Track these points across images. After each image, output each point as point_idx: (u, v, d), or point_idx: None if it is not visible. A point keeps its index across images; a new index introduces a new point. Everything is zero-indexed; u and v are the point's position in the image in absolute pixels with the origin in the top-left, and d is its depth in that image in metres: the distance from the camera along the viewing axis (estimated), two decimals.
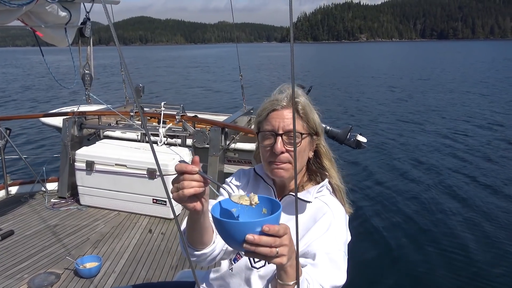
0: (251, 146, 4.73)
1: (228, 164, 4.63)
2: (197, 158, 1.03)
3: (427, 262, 4.61)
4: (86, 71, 4.08)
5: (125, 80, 5.96)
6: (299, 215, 1.42)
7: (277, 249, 0.94)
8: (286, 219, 1.36)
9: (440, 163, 8.36)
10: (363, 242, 4.89)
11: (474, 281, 4.18)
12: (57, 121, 5.06)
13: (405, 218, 5.73)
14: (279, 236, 0.94)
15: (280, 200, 1.46)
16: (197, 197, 1.05)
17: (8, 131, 4.34)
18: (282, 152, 1.36)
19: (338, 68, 38.23)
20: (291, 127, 1.36)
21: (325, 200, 1.41)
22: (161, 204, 3.89)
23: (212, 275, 1.56)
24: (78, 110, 4.55)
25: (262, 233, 0.92)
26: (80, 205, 4.18)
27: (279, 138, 1.36)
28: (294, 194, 1.41)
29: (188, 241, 1.29)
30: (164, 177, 3.81)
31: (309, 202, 1.37)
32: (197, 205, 1.07)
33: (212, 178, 1.07)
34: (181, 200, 1.02)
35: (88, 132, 4.77)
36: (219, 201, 1.10)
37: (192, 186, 1.01)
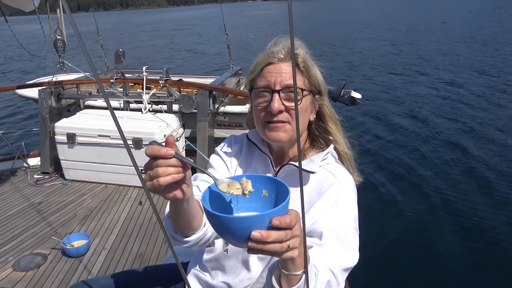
0: (241, 108, 4.51)
1: (218, 129, 4.42)
2: (172, 138, 0.84)
3: (443, 225, 4.38)
4: (58, 37, 3.76)
5: (100, 46, 5.60)
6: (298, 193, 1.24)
7: (288, 243, 0.78)
8: None
9: (440, 113, 8.16)
10: (371, 212, 4.55)
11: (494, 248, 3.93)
12: (34, 93, 4.75)
13: (413, 178, 5.46)
14: (291, 228, 0.77)
15: (278, 171, 1.27)
16: (177, 183, 0.87)
17: None
18: (280, 112, 1.16)
19: (325, 25, 37.13)
20: (290, 82, 1.15)
21: (331, 169, 1.23)
22: None
23: (205, 256, 1.39)
24: (54, 80, 4.25)
25: (270, 226, 0.75)
26: (65, 180, 3.98)
27: (276, 95, 1.16)
28: (294, 163, 1.22)
29: (173, 227, 1.11)
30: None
31: (312, 172, 1.19)
32: (178, 193, 0.89)
33: (193, 161, 0.87)
34: (157, 190, 0.84)
35: (67, 102, 4.49)
36: (209, 187, 0.91)
37: (168, 173, 0.82)
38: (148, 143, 3.56)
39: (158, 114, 3.98)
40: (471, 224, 4.28)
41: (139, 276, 1.46)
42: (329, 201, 1.15)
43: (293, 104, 1.17)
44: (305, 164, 1.21)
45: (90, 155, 3.76)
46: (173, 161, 0.82)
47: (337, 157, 1.30)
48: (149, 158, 0.86)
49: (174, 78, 4.60)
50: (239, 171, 1.35)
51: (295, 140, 1.26)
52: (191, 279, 1.42)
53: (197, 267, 1.44)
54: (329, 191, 1.17)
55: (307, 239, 1.09)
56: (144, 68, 4.14)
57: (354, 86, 3.86)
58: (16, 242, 2.94)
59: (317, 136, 1.31)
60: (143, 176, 0.86)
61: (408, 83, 11.10)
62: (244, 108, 4.53)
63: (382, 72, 12.84)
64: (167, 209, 1.11)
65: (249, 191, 0.86)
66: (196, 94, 4.00)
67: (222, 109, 4.45)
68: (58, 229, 3.12)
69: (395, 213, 4.61)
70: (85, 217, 3.29)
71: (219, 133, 4.26)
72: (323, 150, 1.26)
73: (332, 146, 1.27)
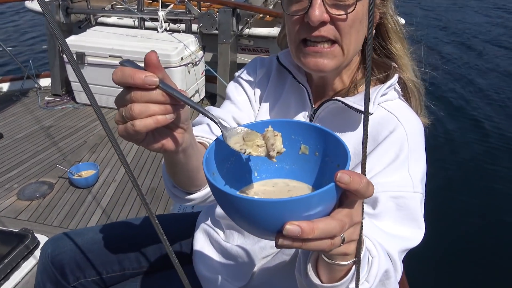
0: (268, 31, 4.01)
1: (241, 54, 3.98)
2: (154, 55, 0.51)
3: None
4: None
5: None
6: (350, 134, 0.88)
7: (343, 236, 0.49)
8: None
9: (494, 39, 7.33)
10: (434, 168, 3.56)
11: None
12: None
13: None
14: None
15: (318, 108, 0.91)
16: (167, 128, 0.57)
17: None
18: (323, 24, 0.77)
19: None
20: None
21: (392, 108, 0.86)
22: None
23: (219, 210, 1.09)
24: None
25: (319, 211, 0.46)
26: (76, 103, 3.71)
27: None
28: (341, 99, 0.85)
29: (172, 181, 0.80)
30: (166, 70, 3.24)
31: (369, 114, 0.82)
32: (167, 143, 0.58)
33: (188, 98, 0.53)
34: (132, 138, 0.55)
35: (77, 18, 4.08)
36: (217, 139, 0.57)
37: (149, 113, 0.51)
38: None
39: (175, 34, 3.56)
40: None
41: (135, 228, 1.18)
42: (389, 154, 0.81)
43: (343, 12, 0.77)
44: (357, 101, 0.84)
45: (101, 78, 3.43)
46: (157, 94, 0.51)
47: (400, 92, 0.92)
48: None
49: None
50: (265, 107, 0.99)
51: (345, 67, 0.88)
52: (200, 236, 1.13)
53: (209, 222, 1.15)
54: (389, 140, 0.82)
55: None
56: None
57: (396, 10, 3.28)
58: (22, 169, 2.75)
59: (375, 62, 0.92)
60: (116, 117, 0.54)
61: (463, 7, 9.95)
62: (272, 31, 4.03)
63: None
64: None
65: (277, 152, 0.53)
66: (218, 12, 3.52)
67: (247, 31, 3.96)
68: (67, 156, 2.91)
69: (470, 171, 3.77)
70: (96, 145, 3.05)
71: (242, 58, 3.83)
72: (382, 82, 0.87)
73: (396, 76, 0.88)
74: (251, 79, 1.04)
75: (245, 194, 0.60)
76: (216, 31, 3.52)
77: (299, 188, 0.60)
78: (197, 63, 3.48)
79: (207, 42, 3.70)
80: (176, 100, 0.52)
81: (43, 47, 4.36)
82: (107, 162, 2.83)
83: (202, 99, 3.81)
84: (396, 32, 0.90)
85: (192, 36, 3.57)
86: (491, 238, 3.01)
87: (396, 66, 0.91)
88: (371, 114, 0.84)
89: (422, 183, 0.82)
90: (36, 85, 4.02)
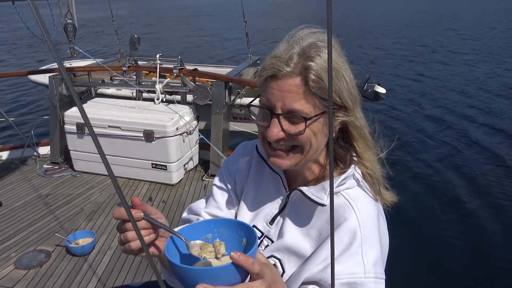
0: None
1: (233, 122, 4.22)
2: (137, 199, 0.82)
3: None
4: (68, 21, 3.59)
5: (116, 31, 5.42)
6: (314, 220, 0.98)
7: None
8: (293, 228, 1.01)
9: (469, 111, 7.70)
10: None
11: None
12: (47, 79, 4.62)
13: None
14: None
15: (289, 194, 1.04)
16: (151, 242, 0.86)
17: None
18: (279, 140, 0.92)
19: (348, 16, 36.22)
20: (295, 106, 0.88)
21: (350, 196, 0.96)
22: (161, 169, 3.54)
23: None
24: (65, 66, 4.09)
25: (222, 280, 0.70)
26: (74, 171, 3.84)
27: (275, 120, 0.90)
28: (303, 189, 0.98)
29: (167, 270, 1.01)
30: (163, 139, 3.43)
31: (322, 205, 0.95)
32: (154, 251, 0.87)
33: (163, 223, 0.84)
34: (130, 253, 0.84)
35: (79, 90, 4.34)
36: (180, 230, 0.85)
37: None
38: (159, 135, 3.39)
39: (171, 105, 3.80)
40: None
41: None
42: (343, 241, 0.90)
43: (300, 129, 0.89)
44: (315, 192, 0.96)
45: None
46: (143, 223, 0.82)
47: (361, 178, 1.01)
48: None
49: (189, 67, 4.40)
50: (246, 200, 1.13)
51: (312, 161, 1.01)
52: None
53: None
54: (343, 228, 0.91)
55: None
56: (157, 56, 3.95)
57: (377, 80, 3.54)
58: (20, 237, 2.82)
59: (340, 155, 1.01)
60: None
61: (434, 78, 10.58)
62: None
63: (406, 67, 12.31)
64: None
65: (222, 255, 0.79)
66: (211, 85, 3.79)
67: (238, 101, 4.23)
68: (64, 224, 2.98)
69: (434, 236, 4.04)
70: (93, 212, 3.14)
71: (234, 126, 4.05)
72: (344, 171, 0.97)
73: (353, 167, 0.98)
74: (234, 170, 1.18)
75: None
76: (210, 102, 3.77)
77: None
78: (192, 132, 3.68)
79: (201, 112, 3.94)
80: (156, 225, 0.82)
81: (44, 117, 4.57)
82: (104, 230, 2.91)
83: (196, 166, 3.97)
84: (360, 134, 0.99)
85: (187, 107, 3.81)
86: None
87: (355, 159, 1.01)
88: (325, 206, 0.94)
89: (376, 267, 0.88)
90: (35, 153, 4.16)
